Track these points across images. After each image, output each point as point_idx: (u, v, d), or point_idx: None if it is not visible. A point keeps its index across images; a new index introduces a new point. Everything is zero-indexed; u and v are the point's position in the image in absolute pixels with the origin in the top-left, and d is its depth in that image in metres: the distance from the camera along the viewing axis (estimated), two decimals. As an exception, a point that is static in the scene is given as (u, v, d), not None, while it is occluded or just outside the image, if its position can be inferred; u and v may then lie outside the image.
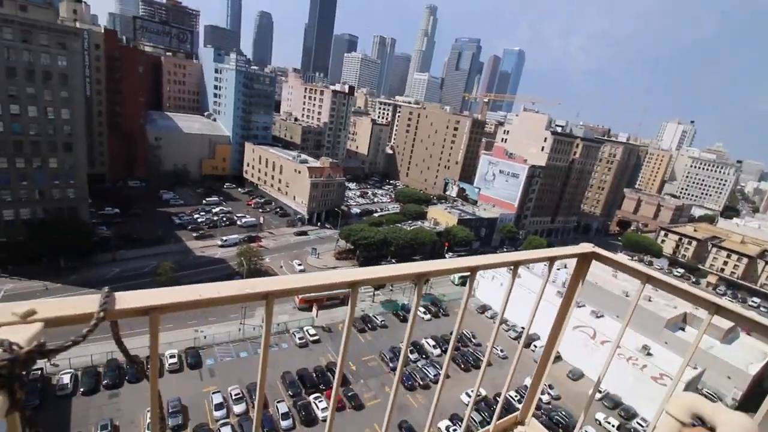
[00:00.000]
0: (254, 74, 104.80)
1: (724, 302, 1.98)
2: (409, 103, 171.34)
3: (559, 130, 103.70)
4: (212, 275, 53.26)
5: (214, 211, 74.97)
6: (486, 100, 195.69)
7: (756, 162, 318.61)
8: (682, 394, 1.48)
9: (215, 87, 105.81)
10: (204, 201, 79.67)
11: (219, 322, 44.33)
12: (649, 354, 42.71)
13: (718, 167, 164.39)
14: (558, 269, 57.09)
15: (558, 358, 46.02)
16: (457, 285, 62.97)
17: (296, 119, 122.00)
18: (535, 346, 48.37)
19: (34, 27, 51.17)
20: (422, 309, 53.12)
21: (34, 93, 51.31)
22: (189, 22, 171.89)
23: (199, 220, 69.89)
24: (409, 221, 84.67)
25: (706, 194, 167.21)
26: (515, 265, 2.17)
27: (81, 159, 57.59)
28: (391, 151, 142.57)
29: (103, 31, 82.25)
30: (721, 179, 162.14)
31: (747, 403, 41.91)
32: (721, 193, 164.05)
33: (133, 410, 30.78)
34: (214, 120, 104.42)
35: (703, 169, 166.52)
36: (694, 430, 1.37)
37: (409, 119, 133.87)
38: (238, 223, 71.48)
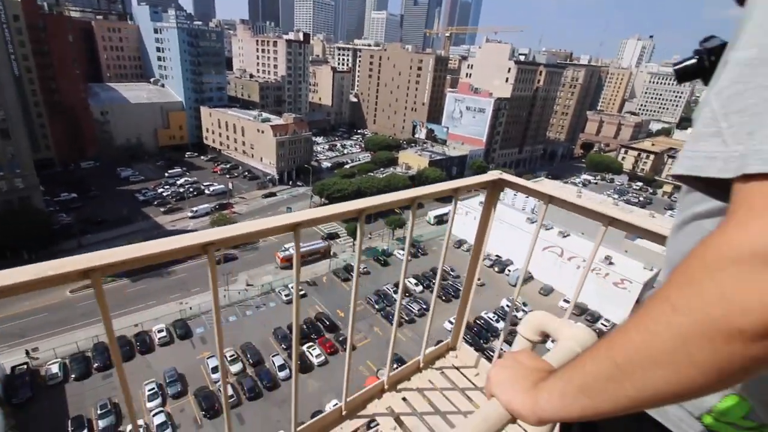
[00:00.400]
0: (198, 30, 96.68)
1: (617, 214, 2.08)
2: (369, 45, 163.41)
3: (522, 58, 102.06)
4: (188, 247, 52.70)
5: (179, 182, 72.49)
6: (448, 34, 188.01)
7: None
8: (531, 314, 1.56)
9: (158, 49, 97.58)
10: (166, 174, 76.61)
11: (202, 291, 44.65)
12: (611, 263, 46.14)
13: (672, 80, 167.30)
14: (527, 198, 58.89)
15: (530, 277, 49.08)
16: (432, 224, 64.58)
17: (251, 76, 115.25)
18: (509, 271, 51.33)
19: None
20: (401, 251, 54.70)
21: (-52, 76, 46.35)
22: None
23: (164, 194, 67.64)
24: (381, 168, 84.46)
25: (664, 108, 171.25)
26: (412, 202, 2.25)
27: (23, 145, 53.72)
28: (355, 99, 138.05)
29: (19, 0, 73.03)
30: (677, 91, 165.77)
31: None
32: (677, 105, 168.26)
33: (130, 386, 31.66)
34: (162, 86, 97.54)
35: (661, 83, 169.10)
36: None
37: (371, 63, 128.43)
38: (206, 192, 69.65)
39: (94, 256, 1.23)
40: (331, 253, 53.59)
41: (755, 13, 0.54)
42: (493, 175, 2.61)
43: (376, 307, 43.00)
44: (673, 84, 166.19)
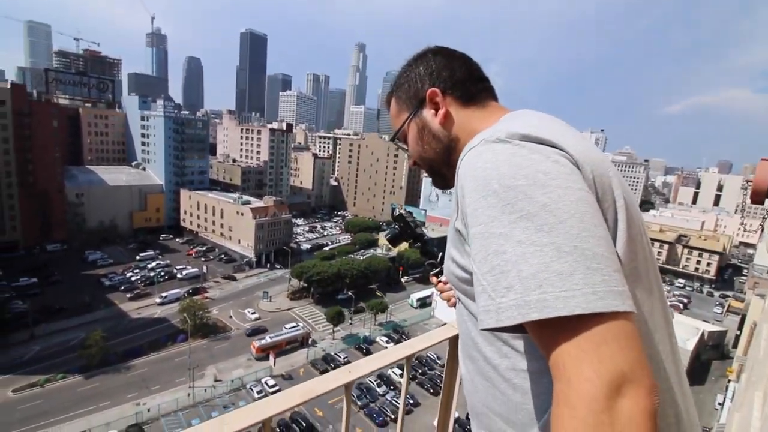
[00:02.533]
0: (185, 119, 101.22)
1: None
2: (349, 135, 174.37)
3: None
4: (152, 337, 48.51)
5: (149, 266, 69.31)
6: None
7: (660, 159, 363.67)
8: None
9: (143, 135, 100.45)
10: (138, 257, 73.55)
11: (164, 389, 40.16)
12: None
13: (630, 167, 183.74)
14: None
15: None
16: (415, 308, 62.91)
17: (234, 160, 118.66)
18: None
19: None
20: (385, 338, 52.10)
21: None
22: (110, 72, 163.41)
23: (133, 278, 64.15)
24: (362, 250, 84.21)
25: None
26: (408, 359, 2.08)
27: (-15, 227, 51.09)
28: (335, 183, 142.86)
29: (9, 86, 75.67)
30: (635, 177, 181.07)
31: (691, 376, 45.31)
32: (636, 189, 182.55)
33: None
34: (143, 169, 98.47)
35: (618, 169, 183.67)
36: None
37: (350, 150, 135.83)
38: (179, 276, 66.54)
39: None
40: (309, 341, 50.47)
41: (467, 200, 0.76)
42: (451, 330, 2.35)
43: (359, 403, 39.41)
44: (629, 170, 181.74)
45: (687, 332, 49.90)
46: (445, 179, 1.13)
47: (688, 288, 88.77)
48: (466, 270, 0.86)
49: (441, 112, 1.07)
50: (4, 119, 70.23)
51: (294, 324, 53.81)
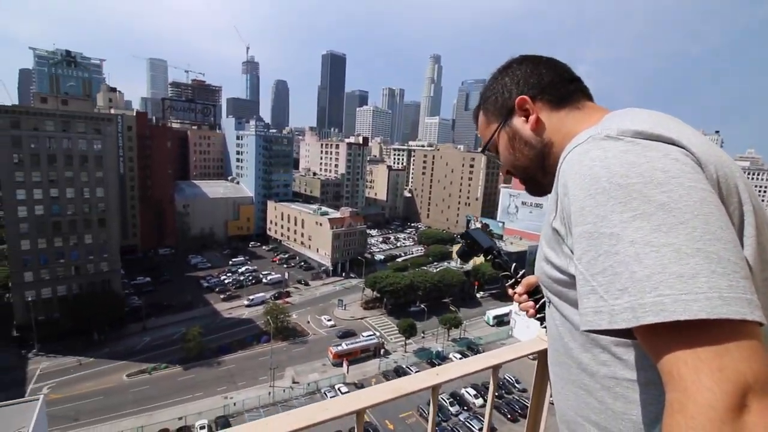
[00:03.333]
0: (273, 137, 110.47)
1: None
2: (423, 146, 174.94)
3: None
4: (240, 336, 52.68)
5: (240, 271, 75.93)
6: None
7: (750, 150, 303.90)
8: None
9: (237, 153, 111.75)
10: (230, 262, 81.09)
11: (248, 386, 43.07)
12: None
13: (754, 173, 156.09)
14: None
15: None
16: (491, 326, 59.83)
17: (314, 174, 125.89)
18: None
19: (73, 117, 56.23)
20: (458, 354, 50.23)
21: (71, 176, 55.28)
22: (212, 98, 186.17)
23: (226, 281, 70.72)
24: (435, 263, 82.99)
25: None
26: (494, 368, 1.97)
27: (114, 233, 60.41)
28: (409, 195, 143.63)
29: (135, 114, 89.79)
30: (761, 186, 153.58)
31: None
32: (763, 199, 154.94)
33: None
34: (237, 183, 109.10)
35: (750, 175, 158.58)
36: None
37: (424, 162, 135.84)
38: (264, 281, 71.79)
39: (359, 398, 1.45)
40: (381, 351, 50.59)
41: (572, 198, 0.74)
42: (541, 343, 2.09)
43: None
44: (753, 177, 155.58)
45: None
46: (540, 186, 1.13)
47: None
48: (562, 271, 0.85)
49: (532, 118, 1.07)
50: (131, 142, 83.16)
51: (369, 333, 54.54)
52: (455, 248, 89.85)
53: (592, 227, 0.68)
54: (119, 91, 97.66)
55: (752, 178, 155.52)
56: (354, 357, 47.79)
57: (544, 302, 1.24)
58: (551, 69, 1.10)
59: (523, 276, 1.39)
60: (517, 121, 1.10)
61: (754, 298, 0.57)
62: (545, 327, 1.32)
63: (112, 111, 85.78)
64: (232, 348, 50.09)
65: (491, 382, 2.24)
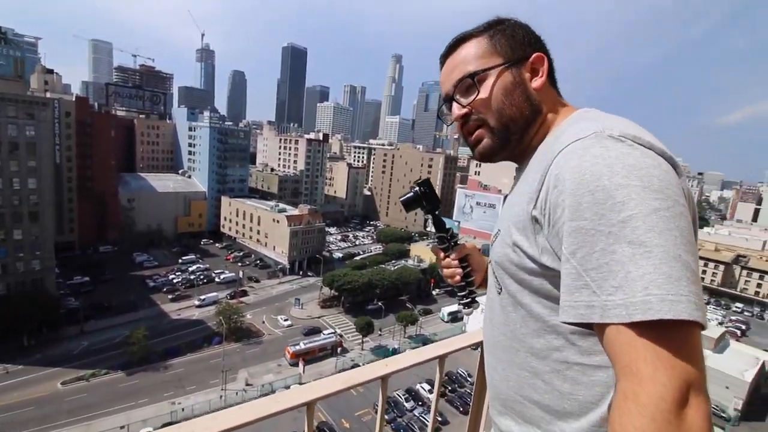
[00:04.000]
0: (228, 129, 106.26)
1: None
2: (383, 145, 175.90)
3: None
4: (190, 338, 50.44)
5: (190, 269, 72.52)
6: (456, 136, 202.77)
7: (716, 172, 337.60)
8: None
9: (190, 145, 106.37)
10: (180, 260, 77.20)
11: (198, 390, 41.45)
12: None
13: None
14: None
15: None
16: (446, 322, 61.65)
17: (272, 169, 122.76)
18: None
19: (1, 100, 50.88)
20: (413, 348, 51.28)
21: (-1, 165, 50.12)
22: (163, 85, 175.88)
23: (174, 280, 67.29)
24: (393, 261, 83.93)
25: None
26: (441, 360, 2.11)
27: (48, 228, 55.55)
28: (369, 193, 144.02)
29: (74, 99, 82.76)
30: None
31: (750, 411, 41.15)
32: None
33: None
34: (189, 177, 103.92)
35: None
36: None
37: (384, 160, 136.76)
38: (216, 280, 69.13)
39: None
40: (339, 350, 50.58)
41: (569, 192, 0.75)
42: None
43: (386, 417, 38.80)
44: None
45: (745, 362, 45.66)
46: (499, 149, 1.08)
47: (746, 313, 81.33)
48: (534, 260, 0.87)
49: (541, 79, 1.04)
50: (69, 129, 76.67)
51: (330, 331, 54.33)
52: (412, 247, 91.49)
53: (590, 223, 0.71)
54: (57, 74, 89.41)
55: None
56: (312, 356, 47.41)
57: (470, 275, 1.35)
58: (545, 46, 1.09)
59: (456, 243, 1.40)
60: (523, 74, 1.04)
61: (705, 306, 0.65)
62: (467, 306, 1.38)
63: (48, 95, 78.43)
64: (180, 351, 47.87)
65: (437, 372, 2.41)
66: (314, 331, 54.61)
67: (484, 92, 1.03)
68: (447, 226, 1.39)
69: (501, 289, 1.01)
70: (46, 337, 47.48)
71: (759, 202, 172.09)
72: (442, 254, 1.41)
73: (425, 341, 54.74)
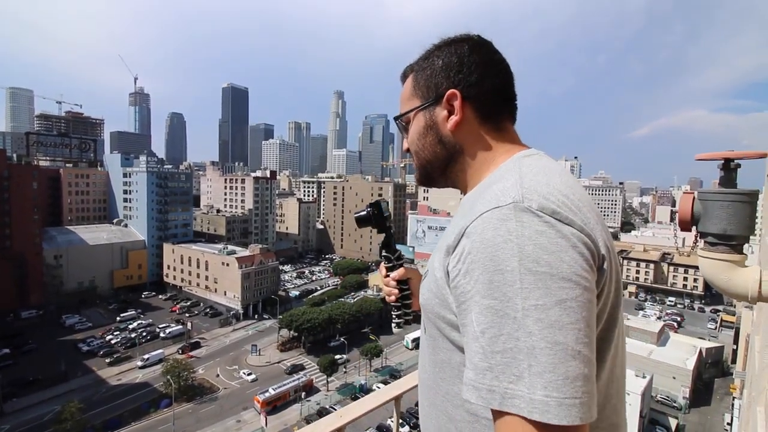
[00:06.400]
0: (168, 173, 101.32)
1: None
2: (332, 178, 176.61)
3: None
4: (133, 405, 45.30)
5: (131, 327, 66.15)
6: (402, 165, 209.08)
7: (634, 181, 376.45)
8: None
9: (125, 192, 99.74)
10: (118, 318, 70.31)
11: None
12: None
13: (606, 191, 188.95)
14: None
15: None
16: (411, 349, 61.04)
17: (218, 211, 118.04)
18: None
19: None
20: (381, 384, 49.89)
21: None
22: (93, 131, 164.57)
23: (113, 341, 60.92)
24: (352, 293, 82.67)
25: (604, 215, 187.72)
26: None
27: (-46, 298, 48.59)
28: (321, 226, 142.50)
29: (-15, 152, 75.17)
30: (612, 200, 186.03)
31: (696, 398, 44.16)
32: (615, 212, 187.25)
33: None
34: (125, 226, 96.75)
35: (595, 194, 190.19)
36: None
37: (335, 193, 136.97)
38: (161, 335, 63.50)
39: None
40: (307, 391, 47.94)
41: (479, 266, 0.74)
42: None
43: (358, 458, 36.91)
44: (606, 193, 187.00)
45: (685, 351, 49.39)
46: (432, 182, 1.10)
47: (679, 305, 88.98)
48: (452, 312, 0.84)
49: (454, 119, 0.97)
50: (-19, 185, 69.09)
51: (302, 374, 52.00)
52: (371, 276, 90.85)
53: (499, 304, 0.70)
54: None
55: (606, 194, 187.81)
56: (285, 401, 44.77)
57: (408, 298, 1.41)
58: (497, 75, 0.99)
59: (401, 265, 1.43)
60: (440, 112, 0.99)
61: (596, 398, 0.68)
62: (397, 326, 1.51)
63: (-48, 149, 70.78)
64: (123, 421, 42.73)
65: (395, 412, 2.43)
66: (297, 368, 54.29)
67: (409, 134, 1.07)
68: (395, 248, 1.43)
69: (425, 329, 0.99)
70: (-47, 427, 40.48)
71: (673, 204, 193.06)
72: (384, 272, 1.44)
73: (392, 372, 53.66)
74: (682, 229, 1.99)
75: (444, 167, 1.03)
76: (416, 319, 1.37)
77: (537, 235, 0.72)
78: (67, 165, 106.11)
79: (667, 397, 44.37)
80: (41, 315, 70.94)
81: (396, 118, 1.10)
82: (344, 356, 56.24)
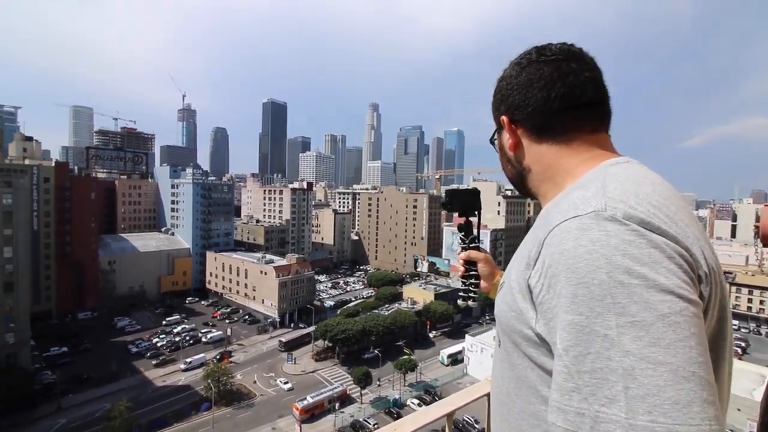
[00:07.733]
0: (212, 184, 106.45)
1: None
2: (367, 189, 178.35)
3: (509, 193, 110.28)
4: (176, 406, 47.06)
5: (175, 331, 69.22)
6: (437, 176, 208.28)
7: (689, 193, 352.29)
8: None
9: (173, 202, 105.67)
10: (164, 321, 73.86)
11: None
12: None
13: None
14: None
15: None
16: (446, 365, 59.57)
17: (258, 221, 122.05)
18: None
19: (-25, 170, 50.14)
20: (416, 400, 48.88)
21: (-28, 236, 48.44)
22: (145, 146, 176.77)
23: (159, 344, 63.93)
24: (386, 305, 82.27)
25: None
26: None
27: (24, 298, 53.06)
28: (356, 237, 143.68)
29: (53, 164, 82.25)
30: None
31: (766, 438, 39.81)
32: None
33: None
34: (172, 234, 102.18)
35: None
36: None
37: (369, 204, 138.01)
38: (204, 339, 65.96)
39: None
40: (342, 401, 47.84)
41: (563, 280, 0.69)
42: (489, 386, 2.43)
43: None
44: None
45: (751, 381, 44.72)
46: (523, 194, 1.17)
47: (743, 330, 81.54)
48: (531, 327, 0.79)
49: (510, 142, 1.06)
50: (47, 195, 75.48)
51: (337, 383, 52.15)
52: (405, 288, 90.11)
53: (585, 321, 0.64)
54: (36, 140, 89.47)
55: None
56: (321, 409, 45.22)
57: (474, 278, 1.57)
58: (544, 89, 0.96)
59: (474, 247, 1.60)
60: (505, 136, 1.08)
61: (723, 419, 0.60)
62: (463, 300, 1.64)
63: (27, 161, 77.97)
64: (167, 421, 44.45)
65: (446, 429, 2.46)
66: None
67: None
68: (472, 233, 1.61)
69: (500, 343, 0.96)
70: (20, 418, 43.59)
71: (734, 219, 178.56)
72: (459, 251, 1.64)
73: (426, 388, 52.48)
74: (764, 245, 1.84)
75: (521, 183, 1.10)
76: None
77: (626, 245, 0.66)
78: (122, 177, 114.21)
79: (732, 431, 40.35)
80: (96, 317, 75.75)
81: (490, 143, 1.21)
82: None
